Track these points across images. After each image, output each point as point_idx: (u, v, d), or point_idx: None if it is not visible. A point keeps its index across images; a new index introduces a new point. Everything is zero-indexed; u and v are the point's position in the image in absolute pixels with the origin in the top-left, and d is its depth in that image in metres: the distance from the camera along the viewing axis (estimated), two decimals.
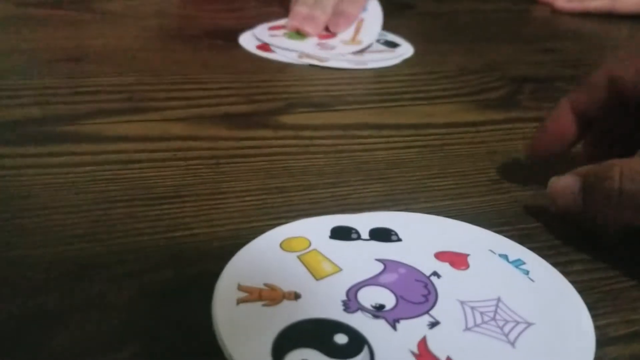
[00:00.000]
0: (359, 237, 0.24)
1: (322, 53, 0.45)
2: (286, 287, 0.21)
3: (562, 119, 0.29)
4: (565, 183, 0.26)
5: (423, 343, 0.19)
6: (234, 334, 0.19)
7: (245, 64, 0.44)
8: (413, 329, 0.19)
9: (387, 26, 0.53)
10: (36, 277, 0.21)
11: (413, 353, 0.18)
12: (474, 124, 0.37)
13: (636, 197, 0.23)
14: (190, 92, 0.38)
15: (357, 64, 0.44)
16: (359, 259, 0.22)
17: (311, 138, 0.33)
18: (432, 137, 0.35)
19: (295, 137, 0.33)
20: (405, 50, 0.48)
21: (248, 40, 0.47)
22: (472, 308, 0.20)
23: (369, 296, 0.21)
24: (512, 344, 0.19)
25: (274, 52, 0.45)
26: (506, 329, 0.20)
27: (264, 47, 0.46)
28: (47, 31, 0.47)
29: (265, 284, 0.21)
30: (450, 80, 0.44)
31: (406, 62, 0.47)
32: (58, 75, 0.39)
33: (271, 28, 0.50)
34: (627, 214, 0.24)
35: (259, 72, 0.42)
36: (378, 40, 0.50)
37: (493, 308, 0.21)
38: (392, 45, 0.49)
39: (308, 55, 0.45)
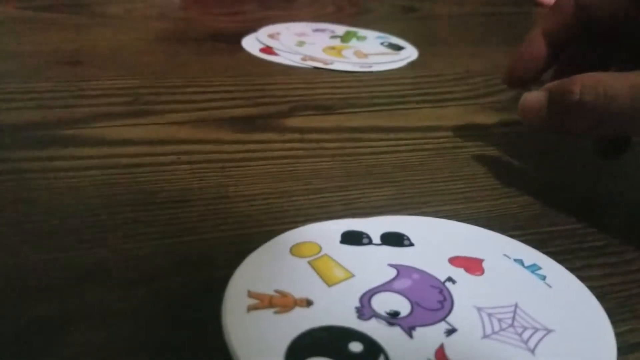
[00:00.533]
0: (370, 242, 0.23)
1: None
2: (297, 293, 0.20)
3: (535, 44, 0.31)
4: (533, 98, 0.27)
5: (441, 351, 0.18)
6: (245, 343, 0.18)
7: (249, 67, 0.43)
8: (430, 336, 0.19)
9: (390, 29, 0.53)
10: (39, 284, 0.21)
11: None
12: (482, 126, 0.36)
13: (594, 109, 0.24)
14: (194, 95, 0.37)
15: (361, 67, 0.44)
16: (372, 265, 0.22)
17: (317, 141, 0.33)
18: (440, 140, 0.34)
19: (301, 140, 0.33)
20: (410, 53, 0.48)
21: (251, 44, 0.47)
22: (490, 315, 0.20)
23: (383, 303, 0.20)
24: (532, 351, 0.19)
25: (277, 55, 0.45)
26: (525, 335, 0.19)
27: (268, 50, 0.46)
28: (48, 34, 0.47)
29: (276, 291, 0.20)
30: (457, 83, 0.43)
31: (411, 65, 0.46)
32: (59, 78, 0.38)
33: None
34: (587, 127, 0.25)
35: (263, 75, 0.42)
36: (382, 43, 0.49)
37: (511, 314, 0.20)
38: (397, 48, 0.49)
39: (312, 58, 0.44)
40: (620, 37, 0.31)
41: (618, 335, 0.20)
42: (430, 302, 0.20)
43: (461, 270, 0.22)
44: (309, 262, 0.22)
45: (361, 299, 0.20)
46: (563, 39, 0.31)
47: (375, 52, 0.47)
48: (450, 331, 0.19)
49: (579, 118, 0.25)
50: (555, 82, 0.27)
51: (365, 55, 0.46)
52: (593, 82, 0.25)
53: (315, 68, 0.43)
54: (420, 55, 0.48)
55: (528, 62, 0.31)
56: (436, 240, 0.24)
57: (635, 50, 0.31)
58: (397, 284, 0.21)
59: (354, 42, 0.49)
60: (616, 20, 0.29)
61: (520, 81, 0.32)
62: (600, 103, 0.24)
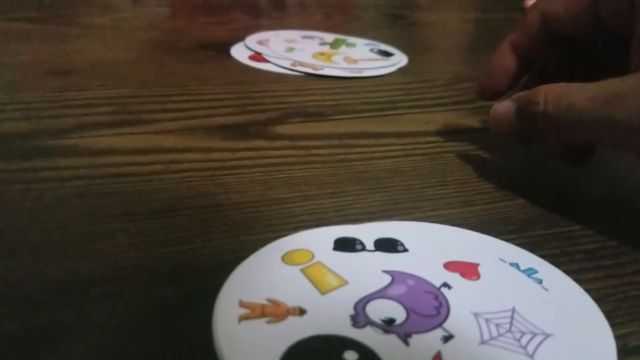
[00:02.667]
0: (363, 248, 0.23)
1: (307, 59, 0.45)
2: (290, 302, 0.20)
3: (504, 60, 0.32)
4: (503, 108, 0.28)
5: (438, 358, 0.18)
6: (236, 354, 0.18)
7: (238, 74, 0.43)
8: (426, 343, 0.18)
9: (379, 36, 0.53)
10: (24, 296, 0.20)
11: None
12: (473, 130, 0.36)
13: (556, 120, 0.25)
14: (182, 103, 0.37)
15: (352, 72, 0.44)
16: (365, 271, 0.21)
17: (308, 148, 0.32)
18: (431, 145, 0.34)
19: (292, 147, 0.32)
20: (400, 59, 0.48)
21: (240, 52, 0.47)
22: (487, 320, 0.19)
23: (378, 310, 0.20)
24: (531, 356, 0.18)
25: (267, 62, 0.44)
26: (523, 340, 0.19)
27: (257, 56, 0.45)
28: (34, 45, 0.46)
29: (268, 299, 0.20)
30: (446, 89, 0.43)
31: (401, 71, 0.46)
32: (46, 89, 0.38)
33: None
34: (551, 136, 0.26)
35: (252, 82, 0.42)
36: (371, 50, 0.49)
37: (508, 319, 0.20)
38: (386, 54, 0.49)
39: (302, 64, 0.44)
40: (584, 50, 0.31)
41: (617, 338, 0.20)
42: (426, 308, 0.20)
43: (457, 275, 0.22)
44: (302, 270, 0.21)
45: (355, 306, 0.20)
46: (531, 52, 0.31)
47: (365, 58, 0.47)
48: (447, 338, 0.19)
49: (545, 127, 0.26)
50: (522, 93, 0.27)
51: (355, 61, 0.46)
52: (556, 92, 0.25)
53: (306, 74, 0.43)
54: (410, 61, 0.48)
55: (499, 76, 0.32)
56: (430, 245, 0.23)
57: (600, 62, 0.31)
58: (392, 291, 0.20)
59: (343, 48, 0.49)
60: (580, 34, 0.30)
61: (493, 95, 0.33)
62: (562, 113, 0.25)
